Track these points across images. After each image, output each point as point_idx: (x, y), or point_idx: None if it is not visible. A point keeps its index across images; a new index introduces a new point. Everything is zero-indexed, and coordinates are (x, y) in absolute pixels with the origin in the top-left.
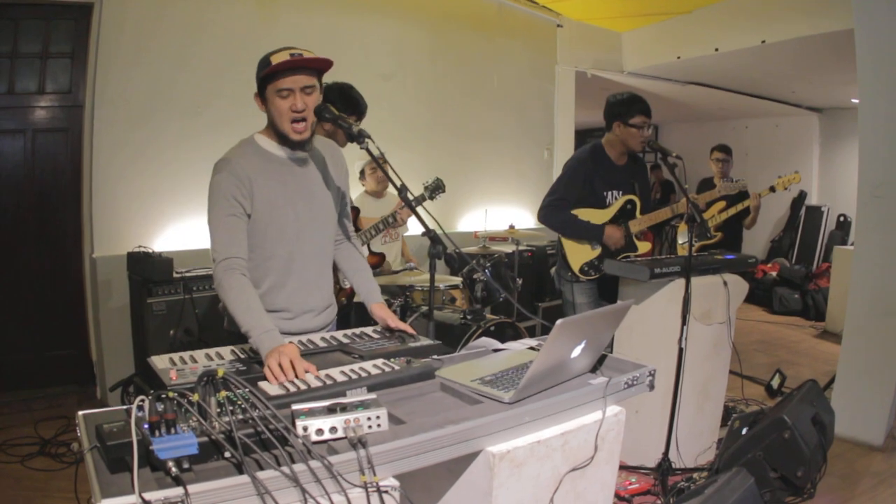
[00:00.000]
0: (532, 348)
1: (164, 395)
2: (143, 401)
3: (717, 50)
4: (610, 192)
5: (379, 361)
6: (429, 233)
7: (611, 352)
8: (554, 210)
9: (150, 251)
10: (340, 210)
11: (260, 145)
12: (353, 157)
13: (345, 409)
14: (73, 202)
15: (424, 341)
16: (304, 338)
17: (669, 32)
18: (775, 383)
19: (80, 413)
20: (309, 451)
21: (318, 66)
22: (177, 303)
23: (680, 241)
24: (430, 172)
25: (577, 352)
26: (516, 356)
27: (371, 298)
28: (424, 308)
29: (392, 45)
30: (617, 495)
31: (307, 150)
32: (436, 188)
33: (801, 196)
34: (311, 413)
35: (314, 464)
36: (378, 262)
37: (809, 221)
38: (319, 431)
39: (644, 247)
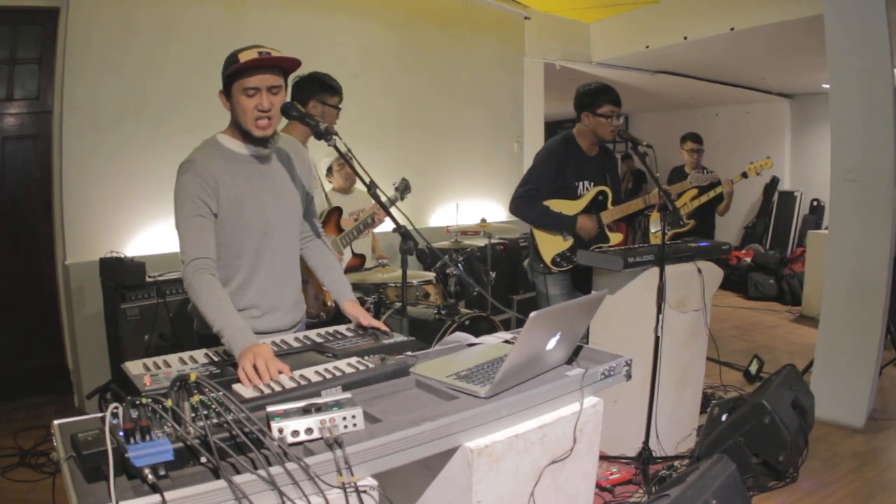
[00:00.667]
0: (507, 342)
1: (138, 402)
2: (117, 408)
3: (685, 38)
4: (581, 183)
5: (353, 360)
6: (400, 229)
7: (587, 343)
8: (526, 201)
9: (123, 256)
10: (306, 207)
11: (223, 144)
12: (320, 154)
13: (320, 410)
14: (44, 209)
15: (398, 338)
16: (277, 338)
17: (637, 22)
18: (753, 369)
19: (56, 422)
20: (285, 453)
21: (286, 66)
22: (150, 307)
23: (652, 230)
24: (401, 169)
25: (552, 344)
26: (491, 350)
27: (343, 296)
28: (398, 304)
29: (360, 44)
30: (598, 486)
31: (269, 146)
32: (406, 188)
33: (774, 182)
34: (286, 414)
35: (291, 466)
36: (360, 264)
37: (782, 207)
38: (295, 433)
39: (616, 238)
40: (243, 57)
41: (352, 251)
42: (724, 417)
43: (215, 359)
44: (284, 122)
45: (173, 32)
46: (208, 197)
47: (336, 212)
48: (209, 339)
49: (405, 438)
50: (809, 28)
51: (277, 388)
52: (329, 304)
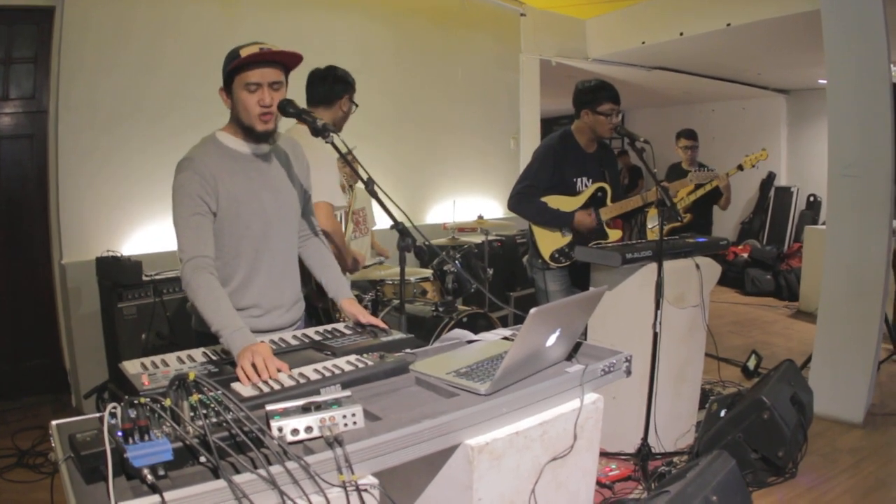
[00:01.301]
0: (506, 338)
1: (136, 402)
2: (115, 408)
3: (681, 34)
4: (580, 179)
5: (352, 357)
6: (397, 225)
7: (585, 339)
8: (524, 198)
9: (119, 255)
10: (304, 205)
11: (222, 142)
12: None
13: (319, 408)
14: (40, 209)
15: (397, 335)
16: (275, 336)
17: (633, 18)
18: (751, 364)
19: (54, 423)
20: (285, 452)
21: (288, 61)
22: (147, 306)
23: (650, 226)
24: (398, 167)
25: (552, 340)
26: (491, 347)
27: (340, 294)
28: (396, 302)
29: (356, 42)
30: (598, 482)
31: (271, 142)
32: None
33: (770, 177)
34: (286, 413)
35: (291, 465)
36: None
37: (779, 202)
38: (295, 431)
39: (615, 234)
40: (244, 52)
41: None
42: (722, 413)
43: (214, 358)
44: (290, 122)
45: (169, 31)
46: (207, 195)
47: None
48: (207, 337)
49: (406, 436)
50: (806, 23)
51: (276, 387)
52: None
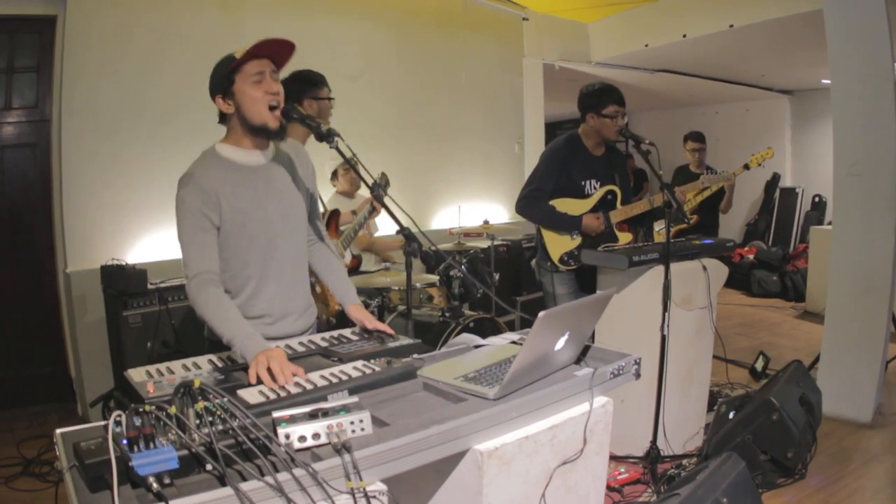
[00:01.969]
0: (514, 342)
1: (141, 410)
2: (120, 416)
3: (685, 36)
4: (588, 182)
5: (359, 363)
6: (403, 231)
7: (592, 342)
8: (531, 201)
9: (124, 264)
10: (311, 210)
11: (223, 155)
12: (325, 157)
13: (327, 414)
14: (45, 217)
15: (404, 341)
16: (281, 343)
17: (636, 21)
18: (759, 366)
19: (58, 431)
20: (292, 459)
21: (280, 51)
22: (152, 314)
23: (656, 228)
24: (402, 172)
25: (560, 343)
26: (498, 351)
27: (347, 300)
28: (402, 308)
29: (359, 46)
30: (607, 486)
31: (282, 138)
32: (386, 184)
33: (775, 178)
34: (293, 420)
35: (298, 472)
36: (357, 265)
37: (784, 203)
38: (302, 438)
39: (625, 237)
40: (238, 52)
41: (350, 253)
42: (731, 415)
43: (219, 365)
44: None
45: (171, 37)
46: (210, 210)
47: (336, 214)
48: (220, 345)
49: (414, 442)
50: (809, 23)
51: (283, 394)
52: (334, 306)
